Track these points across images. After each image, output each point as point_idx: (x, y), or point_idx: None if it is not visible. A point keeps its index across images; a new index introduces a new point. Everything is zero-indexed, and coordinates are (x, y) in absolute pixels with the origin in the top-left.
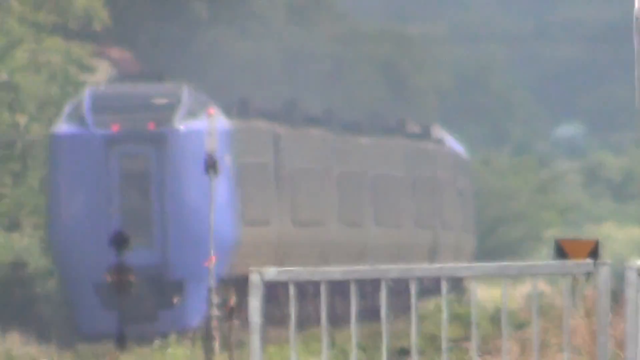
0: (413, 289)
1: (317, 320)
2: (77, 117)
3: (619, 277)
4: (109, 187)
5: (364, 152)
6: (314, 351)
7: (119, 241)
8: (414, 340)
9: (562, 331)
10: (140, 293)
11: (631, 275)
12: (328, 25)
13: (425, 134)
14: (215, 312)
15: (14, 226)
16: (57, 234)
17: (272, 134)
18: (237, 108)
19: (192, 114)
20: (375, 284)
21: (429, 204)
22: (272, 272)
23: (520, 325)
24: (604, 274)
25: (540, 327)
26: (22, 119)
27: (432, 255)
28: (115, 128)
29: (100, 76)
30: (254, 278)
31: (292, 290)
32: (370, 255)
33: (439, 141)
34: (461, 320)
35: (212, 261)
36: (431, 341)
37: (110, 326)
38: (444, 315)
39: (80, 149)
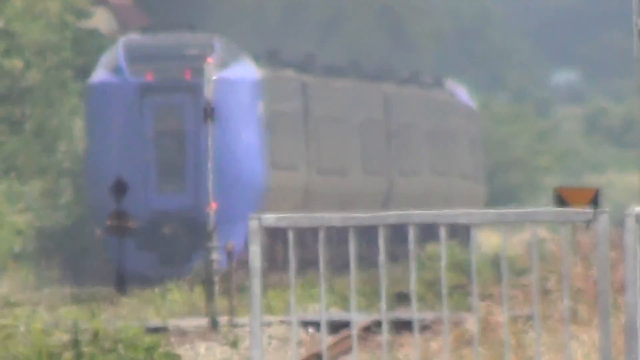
0: (411, 234)
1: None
2: (111, 66)
3: (618, 224)
4: (143, 134)
5: (386, 101)
6: (314, 296)
7: (119, 188)
8: (412, 287)
9: (562, 278)
10: (175, 236)
11: (630, 222)
12: None
13: (439, 85)
14: (215, 256)
15: (10, 173)
16: (93, 180)
17: (299, 83)
18: (266, 58)
19: (224, 63)
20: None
21: (444, 154)
22: (270, 219)
23: (520, 272)
24: (603, 222)
25: (540, 274)
26: (19, 65)
27: (446, 203)
28: (149, 77)
29: (97, 22)
30: (253, 224)
31: (291, 237)
32: (393, 203)
33: (451, 93)
34: (461, 266)
35: (213, 207)
36: (431, 286)
37: (146, 267)
38: (443, 261)
39: (116, 97)
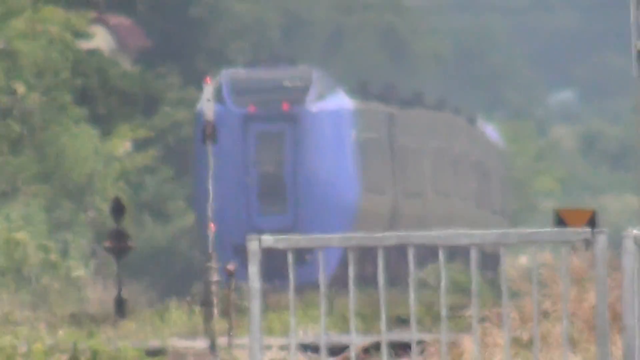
0: (410, 256)
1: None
2: (217, 97)
3: (615, 246)
4: (246, 160)
5: (448, 130)
6: (314, 317)
7: (118, 209)
8: (412, 308)
9: (559, 299)
10: (276, 254)
11: (628, 243)
12: None
13: (472, 122)
14: (215, 277)
15: (11, 194)
16: (200, 203)
17: (386, 113)
18: (356, 89)
19: (321, 95)
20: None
21: (482, 187)
22: (269, 240)
23: (514, 295)
24: (601, 242)
25: (539, 296)
26: (20, 88)
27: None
28: (251, 108)
29: (96, 42)
30: (252, 245)
31: (290, 258)
32: (456, 223)
33: (482, 132)
34: (460, 287)
35: (212, 228)
36: (429, 309)
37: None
38: (443, 283)
39: (221, 126)
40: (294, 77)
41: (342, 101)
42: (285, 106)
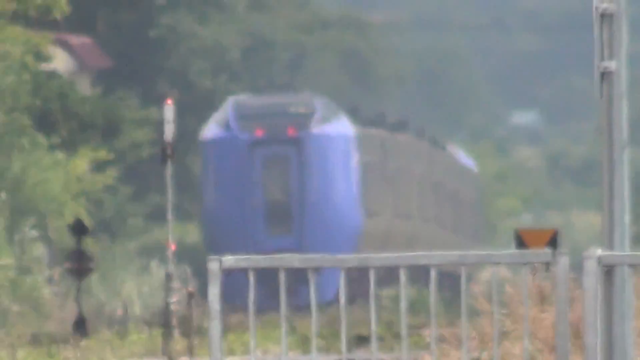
0: (372, 277)
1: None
2: (223, 123)
3: (578, 264)
4: (252, 183)
5: (426, 157)
6: (275, 338)
7: (79, 229)
8: (373, 327)
9: (521, 320)
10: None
11: (589, 264)
12: (289, 12)
13: (442, 147)
14: (175, 297)
15: None
16: (208, 225)
17: (380, 138)
18: (350, 114)
19: (324, 120)
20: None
21: (452, 213)
22: (230, 260)
23: (473, 314)
24: (562, 263)
25: (499, 316)
26: None
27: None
28: (258, 133)
29: (55, 63)
30: (213, 265)
31: (251, 278)
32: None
33: (453, 156)
34: (420, 307)
35: (172, 248)
36: (389, 328)
37: (259, 299)
38: (402, 303)
39: (228, 151)
40: (298, 103)
41: (344, 126)
42: (290, 131)
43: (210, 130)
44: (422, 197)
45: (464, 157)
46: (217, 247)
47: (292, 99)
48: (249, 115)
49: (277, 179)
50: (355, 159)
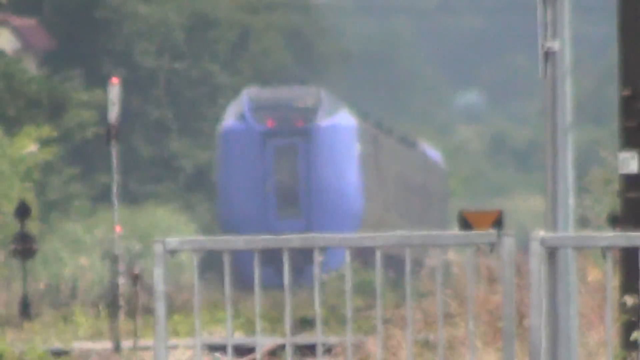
0: (316, 258)
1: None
2: (238, 114)
3: (521, 247)
4: (264, 171)
5: (402, 153)
6: (220, 319)
7: (22, 211)
8: (317, 310)
9: (465, 301)
10: (292, 252)
11: (535, 246)
12: None
13: (413, 145)
14: (121, 279)
15: None
16: (224, 209)
17: (372, 132)
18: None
19: (329, 112)
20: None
21: (423, 204)
22: (174, 242)
23: (420, 295)
24: (507, 244)
25: (444, 297)
26: None
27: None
28: (270, 123)
29: (2, 44)
30: (157, 247)
31: (195, 260)
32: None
33: (423, 153)
34: (365, 288)
35: (118, 231)
36: (333, 310)
37: (267, 280)
38: (348, 284)
39: (242, 140)
40: (305, 96)
41: (347, 118)
42: (299, 123)
43: (227, 121)
44: (406, 192)
45: (433, 153)
46: (231, 228)
47: (299, 93)
48: (262, 107)
49: (287, 167)
50: (357, 149)
